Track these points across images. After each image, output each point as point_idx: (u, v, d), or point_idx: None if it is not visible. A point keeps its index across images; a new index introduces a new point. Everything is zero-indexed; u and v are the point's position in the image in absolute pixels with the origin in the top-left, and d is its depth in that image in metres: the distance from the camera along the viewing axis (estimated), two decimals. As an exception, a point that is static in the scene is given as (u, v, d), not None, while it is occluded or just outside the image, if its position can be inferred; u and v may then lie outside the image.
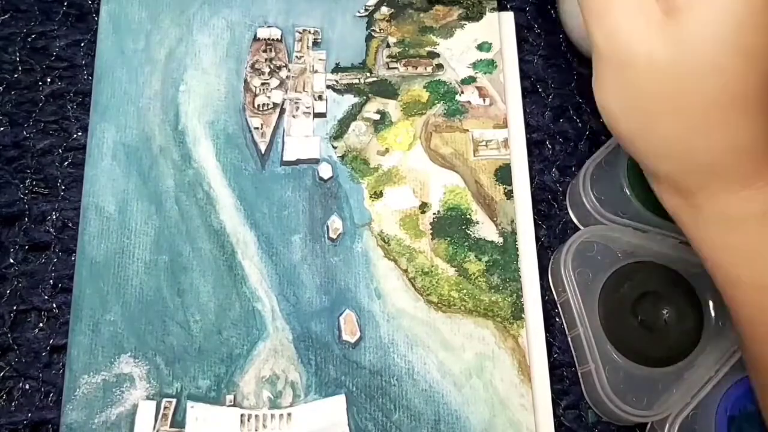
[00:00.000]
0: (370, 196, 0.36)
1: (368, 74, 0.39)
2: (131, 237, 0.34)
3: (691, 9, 0.21)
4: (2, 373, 0.34)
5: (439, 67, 0.39)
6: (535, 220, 0.37)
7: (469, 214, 0.36)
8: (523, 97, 0.40)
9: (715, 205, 0.23)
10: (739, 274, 0.24)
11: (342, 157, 0.37)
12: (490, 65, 0.39)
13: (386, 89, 0.38)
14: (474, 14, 0.40)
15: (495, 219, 0.36)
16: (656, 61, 0.22)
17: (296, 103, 0.38)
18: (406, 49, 0.39)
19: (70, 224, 0.36)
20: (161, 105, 0.37)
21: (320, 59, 0.39)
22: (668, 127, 0.23)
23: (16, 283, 0.35)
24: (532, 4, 0.43)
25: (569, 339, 0.36)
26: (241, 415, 0.32)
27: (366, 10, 0.40)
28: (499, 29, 0.40)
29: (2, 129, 0.37)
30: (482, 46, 0.39)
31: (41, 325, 0.35)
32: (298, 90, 0.38)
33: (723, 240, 0.24)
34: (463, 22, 0.40)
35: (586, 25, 0.24)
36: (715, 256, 0.24)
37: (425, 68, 0.39)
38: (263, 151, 0.37)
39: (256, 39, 0.39)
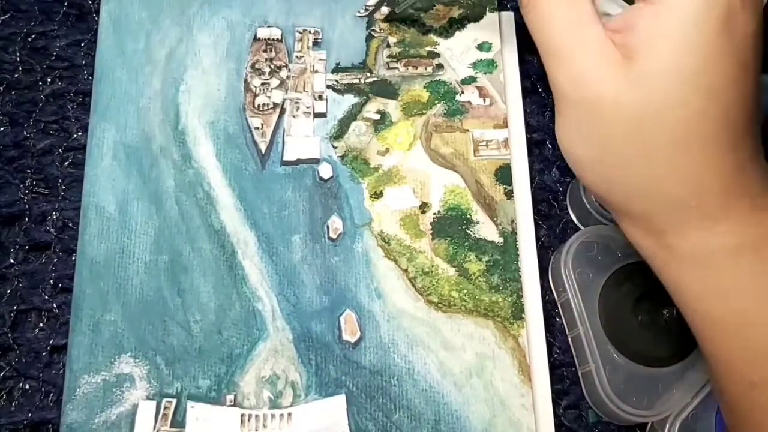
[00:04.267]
0: (370, 196, 0.36)
1: (368, 74, 0.39)
2: (131, 237, 0.34)
3: (649, 49, 0.22)
4: (2, 373, 0.34)
5: (440, 67, 0.39)
6: (535, 220, 0.37)
7: (470, 214, 0.36)
8: (524, 97, 0.40)
9: (687, 244, 0.23)
10: (715, 314, 0.23)
11: (342, 157, 0.37)
12: (490, 65, 0.39)
13: (386, 89, 0.38)
14: (474, 14, 0.40)
15: (495, 219, 0.36)
16: (622, 102, 0.22)
17: (296, 103, 0.38)
18: (407, 49, 0.39)
19: (70, 224, 0.36)
20: (161, 105, 0.37)
21: (320, 59, 0.39)
22: (639, 168, 0.23)
23: (16, 283, 0.35)
24: (532, 4, 0.43)
25: (569, 339, 0.36)
26: (242, 415, 0.32)
27: (366, 10, 0.40)
28: (500, 29, 0.40)
29: (2, 129, 0.37)
30: (482, 46, 0.39)
31: (41, 325, 0.35)
32: (298, 90, 0.38)
33: (696, 279, 0.24)
34: (463, 22, 0.40)
35: (548, 71, 0.24)
36: (690, 297, 0.24)
37: (425, 68, 0.39)
38: (263, 151, 0.37)
39: (256, 39, 0.39)
